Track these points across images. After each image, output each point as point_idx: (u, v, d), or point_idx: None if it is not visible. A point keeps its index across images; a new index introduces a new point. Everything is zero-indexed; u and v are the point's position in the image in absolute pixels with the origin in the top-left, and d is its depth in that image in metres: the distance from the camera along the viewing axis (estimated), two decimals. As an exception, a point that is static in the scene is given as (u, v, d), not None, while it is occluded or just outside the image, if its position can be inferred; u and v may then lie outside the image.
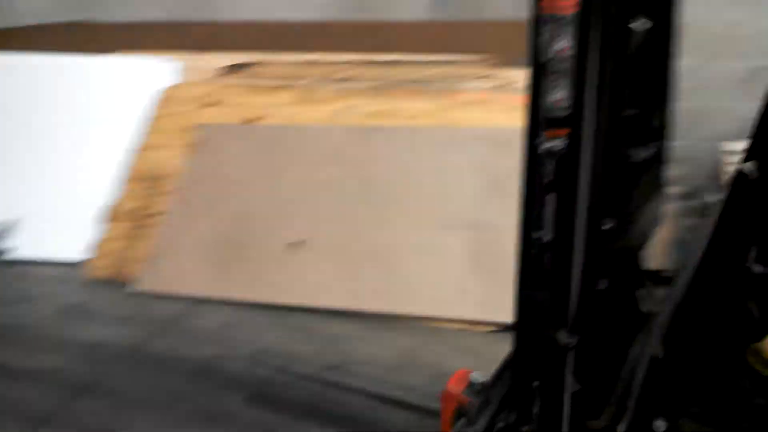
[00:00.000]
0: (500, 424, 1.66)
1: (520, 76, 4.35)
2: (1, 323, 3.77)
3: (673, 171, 1.88)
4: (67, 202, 4.51)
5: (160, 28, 5.36)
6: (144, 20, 5.47)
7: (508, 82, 4.42)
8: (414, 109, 4.35)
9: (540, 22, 1.56)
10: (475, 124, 4.17)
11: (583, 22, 1.50)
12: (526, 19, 4.48)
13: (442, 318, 3.59)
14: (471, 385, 1.84)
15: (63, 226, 4.43)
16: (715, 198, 3.81)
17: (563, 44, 1.54)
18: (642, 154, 1.69)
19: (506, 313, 3.46)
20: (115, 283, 4.12)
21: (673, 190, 3.46)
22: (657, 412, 1.40)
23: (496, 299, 3.52)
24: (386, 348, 3.43)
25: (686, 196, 3.97)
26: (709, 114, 4.22)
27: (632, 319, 1.64)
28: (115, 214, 4.38)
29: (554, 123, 1.56)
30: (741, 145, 4.01)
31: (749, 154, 1.37)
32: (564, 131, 1.55)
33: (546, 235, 1.55)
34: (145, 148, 4.61)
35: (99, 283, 4.14)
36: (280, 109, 4.58)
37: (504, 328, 3.47)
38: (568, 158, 1.53)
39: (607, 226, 1.55)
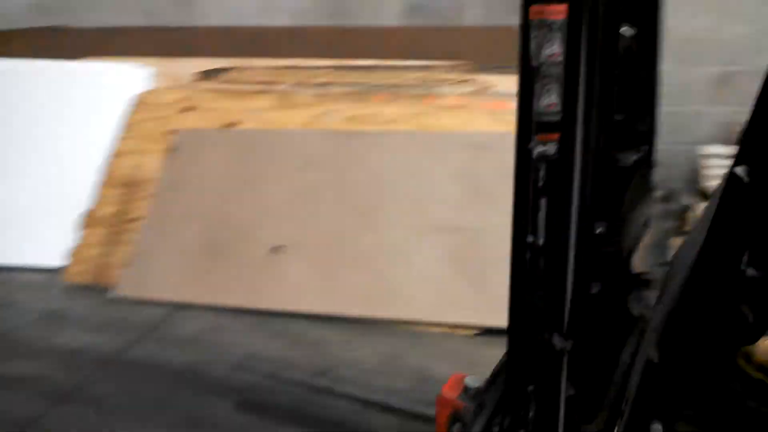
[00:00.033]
0: (495, 429, 1.65)
1: (495, 81, 4.37)
2: (-20, 330, 3.73)
3: (651, 175, 1.89)
4: (46, 208, 4.47)
5: (134, 34, 5.33)
6: (118, 26, 5.44)
7: (484, 87, 4.42)
8: (391, 114, 4.34)
9: (530, 27, 1.55)
10: (453, 128, 4.17)
11: (572, 28, 1.50)
12: (499, 26, 4.52)
13: (424, 322, 3.58)
14: (466, 390, 1.83)
15: (42, 232, 4.38)
16: (691, 201, 3.84)
17: (553, 49, 1.54)
18: (631, 158, 1.70)
19: (488, 317, 3.52)
20: (96, 289, 4.08)
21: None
22: (653, 416, 1.39)
23: (478, 303, 3.53)
24: (369, 352, 3.41)
25: (663, 199, 3.99)
26: (685, 118, 4.25)
27: (623, 322, 1.63)
28: (93, 220, 4.35)
29: (545, 127, 1.56)
30: (717, 148, 4.07)
31: (739, 158, 1.37)
32: (555, 135, 1.55)
33: (539, 239, 1.55)
34: (121, 154, 4.58)
35: (79, 289, 4.10)
36: (257, 114, 4.56)
37: (485, 331, 3.49)
38: (559, 162, 1.53)
39: (599, 229, 1.55)
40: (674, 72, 4.06)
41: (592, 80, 1.52)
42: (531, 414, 1.55)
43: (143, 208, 4.29)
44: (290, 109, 4.54)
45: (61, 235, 4.32)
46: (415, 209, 3.87)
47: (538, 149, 1.56)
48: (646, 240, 1.81)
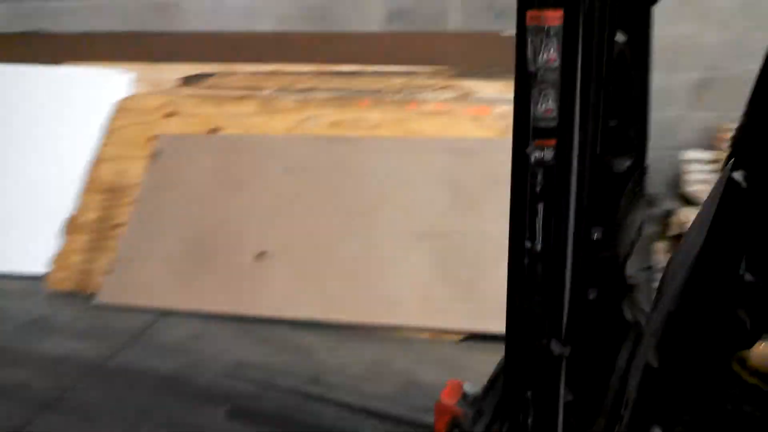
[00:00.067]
0: (494, 435, 1.65)
1: (478, 87, 4.37)
2: (-38, 338, 3.68)
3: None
4: (27, 215, 4.43)
5: (116, 39, 5.30)
6: (99, 31, 5.40)
7: (466, 93, 4.42)
8: (374, 120, 4.33)
9: (526, 33, 1.54)
10: (436, 134, 4.16)
11: (568, 34, 1.49)
12: (482, 31, 4.51)
13: (410, 327, 3.57)
14: (464, 396, 1.83)
15: (24, 239, 4.34)
16: (674, 206, 3.86)
17: (550, 55, 1.54)
18: (625, 163, 1.70)
19: (474, 322, 3.51)
20: (79, 296, 4.04)
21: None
22: (653, 421, 1.39)
23: (464, 308, 3.52)
24: (356, 358, 3.40)
25: (646, 204, 4.00)
26: (666, 123, 4.27)
27: (618, 328, 1.64)
28: (76, 227, 4.31)
29: (542, 133, 1.56)
30: (698, 153, 4.07)
31: (737, 163, 1.37)
32: (552, 141, 1.54)
33: (536, 244, 1.54)
34: (104, 160, 4.54)
35: (62, 297, 4.06)
36: (240, 119, 4.54)
37: (471, 336, 3.49)
38: (556, 168, 1.53)
39: (596, 235, 1.55)
40: (655, 78, 4.08)
41: (588, 86, 1.51)
42: (530, 420, 1.54)
43: (127, 214, 4.26)
44: (273, 115, 4.52)
45: (44, 241, 4.27)
46: (399, 214, 3.86)
47: (535, 155, 1.55)
48: (640, 245, 1.81)
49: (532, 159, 1.55)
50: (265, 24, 5.19)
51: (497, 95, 4.33)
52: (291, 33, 5.12)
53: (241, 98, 4.71)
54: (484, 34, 4.77)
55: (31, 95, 4.90)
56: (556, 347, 1.50)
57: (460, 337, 3.50)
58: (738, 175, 1.34)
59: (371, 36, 4.95)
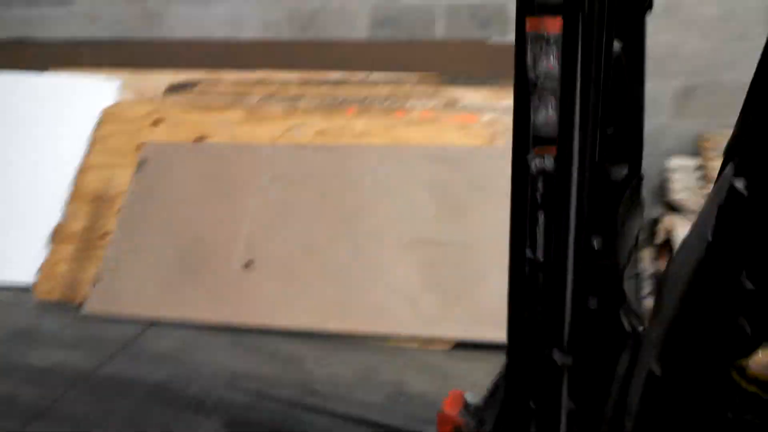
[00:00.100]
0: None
1: (465, 95, 4.36)
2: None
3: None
4: (15, 224, 4.39)
5: (101, 46, 5.26)
6: (84, 38, 5.36)
7: (453, 101, 4.41)
8: (361, 128, 4.31)
9: (526, 41, 1.53)
10: (424, 142, 4.15)
11: (568, 42, 1.48)
12: (468, 39, 4.51)
13: (399, 336, 3.54)
14: (466, 406, 1.81)
15: (11, 249, 4.30)
16: (659, 213, 3.85)
17: (549, 63, 1.52)
18: (622, 171, 1.69)
19: (463, 330, 3.49)
20: (67, 305, 4.00)
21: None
22: (657, 430, 1.38)
23: (453, 317, 3.50)
24: (345, 367, 3.37)
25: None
26: (651, 131, 4.26)
27: (617, 337, 1.62)
28: (63, 236, 4.26)
29: (542, 140, 1.54)
30: (682, 160, 4.07)
31: (738, 171, 1.36)
32: (552, 149, 1.53)
33: (537, 253, 1.53)
34: (90, 168, 4.50)
35: (50, 306, 4.02)
36: (226, 127, 4.51)
37: (460, 345, 3.47)
38: (557, 176, 1.51)
39: (596, 243, 1.54)
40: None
41: (587, 93, 1.50)
42: (532, 429, 1.53)
43: (114, 223, 4.22)
44: (260, 123, 4.49)
45: (31, 251, 4.23)
46: (387, 223, 3.84)
47: (535, 162, 1.54)
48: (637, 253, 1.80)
49: (532, 167, 1.54)
50: (250, 32, 5.16)
51: (484, 103, 4.33)
52: (277, 40, 5.09)
53: (228, 106, 4.68)
54: (470, 41, 4.76)
55: (17, 103, 4.86)
56: (558, 357, 1.48)
57: (450, 345, 3.48)
58: (739, 184, 1.33)
59: (357, 44, 4.93)
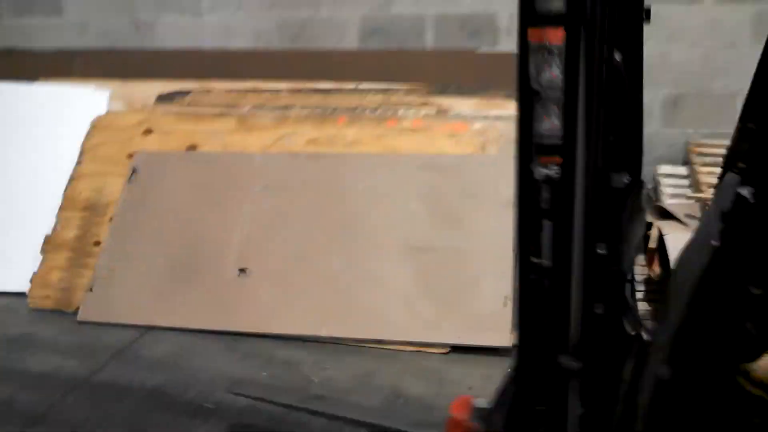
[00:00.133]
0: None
1: (455, 104, 4.37)
2: (-55, 356, 3.61)
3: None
4: (6, 232, 4.37)
5: (91, 56, 5.25)
6: (74, 48, 5.35)
7: (443, 110, 4.42)
8: (352, 137, 4.32)
9: (528, 51, 1.54)
10: (415, 150, 4.16)
11: (570, 52, 1.50)
12: (457, 49, 4.53)
13: (395, 341, 3.55)
14: (476, 411, 1.81)
15: (4, 256, 4.28)
16: (651, 219, 3.87)
17: (552, 73, 1.54)
18: (624, 178, 1.70)
19: (459, 335, 3.50)
20: (61, 313, 3.98)
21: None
22: (666, 432, 1.39)
23: (448, 322, 3.52)
24: (343, 371, 3.37)
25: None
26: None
27: (622, 341, 1.63)
28: (56, 244, 4.25)
29: (546, 150, 1.55)
30: (672, 168, 4.10)
31: (744, 179, 1.37)
32: (556, 158, 1.54)
33: (544, 260, 1.54)
34: (82, 177, 4.48)
35: (44, 314, 3.99)
36: (217, 136, 4.50)
37: (456, 349, 3.48)
38: (562, 184, 1.53)
39: (602, 250, 1.55)
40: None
41: (591, 102, 1.52)
42: (541, 433, 1.54)
43: (107, 231, 4.20)
44: (251, 132, 4.49)
45: (24, 259, 4.21)
46: (381, 230, 3.84)
47: (540, 172, 1.55)
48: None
49: (537, 176, 1.55)
50: (240, 41, 5.17)
51: (474, 112, 4.34)
52: (267, 50, 5.10)
53: (219, 116, 4.68)
54: (460, 51, 4.78)
55: (6, 112, 4.84)
56: (566, 361, 1.49)
57: (446, 350, 3.49)
58: (745, 191, 1.35)
59: (347, 53, 4.94)
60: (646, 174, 4.19)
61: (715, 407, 1.44)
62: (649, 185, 4.21)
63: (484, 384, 3.19)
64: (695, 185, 4.02)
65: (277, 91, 4.78)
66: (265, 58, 5.02)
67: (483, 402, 1.82)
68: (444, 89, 4.50)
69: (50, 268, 4.17)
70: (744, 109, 1.68)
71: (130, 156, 4.46)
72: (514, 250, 1.63)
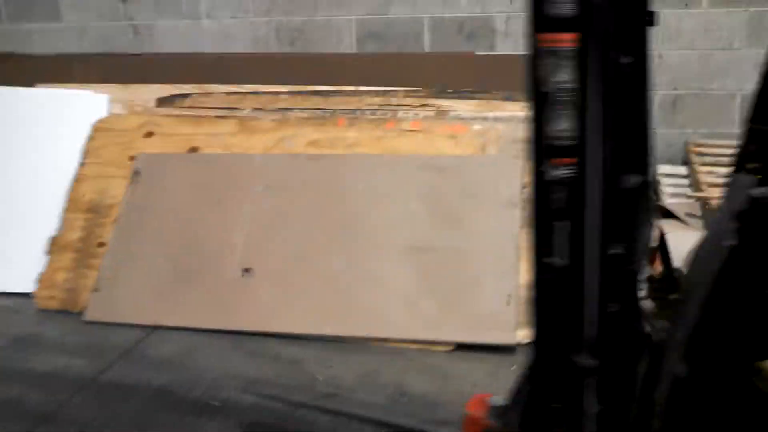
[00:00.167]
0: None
1: (453, 106, 4.37)
2: (-47, 356, 3.59)
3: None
4: (13, 234, 4.36)
5: (91, 60, 5.23)
6: (74, 52, 5.34)
7: (442, 112, 4.43)
8: (352, 138, 4.32)
9: (540, 55, 1.55)
10: (415, 151, 4.16)
11: (581, 56, 1.50)
12: (455, 52, 4.53)
13: (397, 339, 3.55)
14: (492, 409, 1.82)
15: (10, 258, 4.28)
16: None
17: (564, 76, 1.54)
18: (636, 179, 1.71)
19: (460, 333, 3.51)
20: (67, 313, 3.98)
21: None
22: (684, 429, 1.40)
23: (450, 320, 3.52)
24: (347, 369, 3.37)
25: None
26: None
27: (636, 339, 1.64)
28: (61, 245, 4.24)
29: (559, 152, 1.56)
30: (670, 168, 4.11)
31: (761, 181, 1.38)
32: (568, 160, 1.55)
33: (559, 260, 1.54)
34: (85, 179, 4.48)
35: (50, 314, 3.99)
36: (218, 139, 4.50)
37: (459, 347, 3.48)
38: (577, 185, 1.53)
39: (616, 250, 1.56)
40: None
41: (602, 105, 1.52)
42: (557, 430, 1.54)
43: (110, 232, 4.20)
44: (251, 134, 4.49)
45: (30, 260, 4.20)
46: (382, 230, 3.84)
47: (553, 173, 1.55)
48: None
49: (551, 177, 1.56)
50: (239, 46, 5.17)
51: (473, 113, 4.35)
52: (265, 55, 5.10)
53: (219, 118, 4.67)
54: (458, 54, 4.79)
55: (7, 116, 4.82)
56: (582, 359, 1.50)
57: (449, 347, 3.49)
58: (761, 192, 1.36)
59: (346, 57, 4.95)
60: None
61: (729, 404, 1.45)
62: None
63: (488, 381, 3.20)
64: (695, 184, 4.04)
65: (277, 93, 4.78)
66: (263, 62, 5.01)
67: (499, 400, 1.82)
68: (443, 91, 4.51)
69: (55, 269, 4.17)
70: (752, 111, 1.69)
71: (132, 158, 4.45)
72: (528, 251, 1.62)
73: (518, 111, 4.25)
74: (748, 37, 4.36)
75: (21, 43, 5.44)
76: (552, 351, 1.56)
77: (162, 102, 4.88)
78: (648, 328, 1.65)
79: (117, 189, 4.36)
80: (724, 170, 3.92)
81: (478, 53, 4.75)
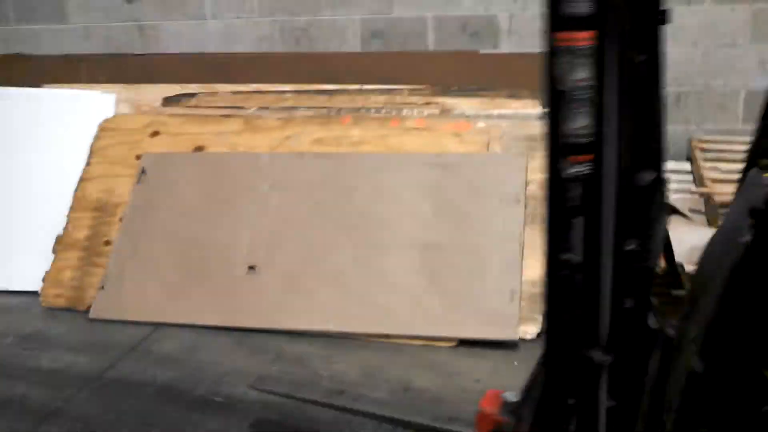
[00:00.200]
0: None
1: (458, 104, 4.36)
2: (-40, 353, 3.56)
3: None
4: (19, 233, 4.34)
5: (97, 61, 5.22)
6: (80, 53, 5.33)
7: (446, 110, 4.41)
8: (357, 137, 4.30)
9: (556, 53, 1.53)
10: (419, 149, 4.13)
11: (598, 54, 1.49)
12: (459, 50, 4.50)
13: (401, 335, 3.52)
14: (505, 405, 1.80)
15: (17, 256, 4.25)
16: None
17: (581, 74, 1.52)
18: (650, 176, 1.70)
19: (465, 329, 3.49)
20: (73, 311, 3.95)
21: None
22: (698, 425, 1.38)
23: (454, 316, 3.49)
24: (352, 365, 3.34)
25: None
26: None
27: (650, 335, 1.62)
28: (68, 244, 4.21)
29: (576, 149, 1.54)
30: (674, 164, 4.09)
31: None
32: (585, 157, 1.53)
33: (574, 257, 1.53)
34: (91, 178, 4.45)
35: (56, 312, 3.96)
36: (224, 137, 4.47)
37: (462, 343, 3.46)
38: (593, 182, 1.52)
39: (631, 247, 1.54)
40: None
41: (618, 103, 1.51)
42: (572, 427, 1.52)
43: (117, 230, 4.18)
44: (257, 133, 4.46)
45: (37, 258, 4.18)
46: (387, 227, 3.81)
47: (570, 170, 1.54)
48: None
49: (567, 175, 1.54)
50: (244, 46, 5.16)
51: (477, 111, 4.33)
52: (270, 54, 5.08)
53: (225, 117, 4.65)
54: (462, 52, 4.77)
55: (15, 116, 4.81)
56: (597, 355, 1.48)
57: (452, 343, 3.47)
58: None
59: (350, 56, 4.93)
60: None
61: (744, 399, 1.43)
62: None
63: (491, 376, 3.18)
64: (698, 180, 4.02)
65: (282, 92, 4.76)
66: (268, 62, 4.99)
67: (512, 396, 1.80)
68: (447, 89, 4.48)
69: (62, 268, 4.14)
70: (765, 107, 1.67)
71: (139, 157, 4.42)
72: (540, 248, 1.60)
73: (522, 108, 4.23)
74: (751, 35, 4.35)
75: (28, 43, 5.43)
76: (566, 347, 1.54)
77: (168, 101, 4.86)
78: (658, 324, 1.63)
79: (123, 188, 4.34)
80: (728, 166, 3.92)
81: (482, 52, 4.73)
